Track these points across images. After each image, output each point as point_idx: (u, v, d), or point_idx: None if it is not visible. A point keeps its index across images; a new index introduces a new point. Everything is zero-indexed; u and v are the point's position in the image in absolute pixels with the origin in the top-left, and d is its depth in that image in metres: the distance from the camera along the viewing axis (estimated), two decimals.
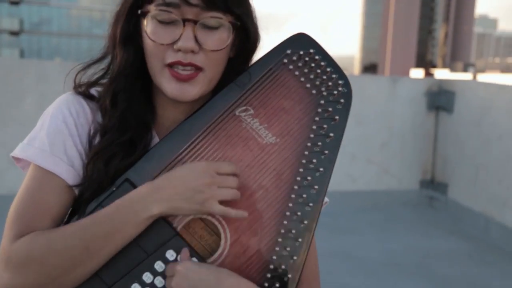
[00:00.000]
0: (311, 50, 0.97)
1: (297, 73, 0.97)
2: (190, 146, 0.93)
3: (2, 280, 0.85)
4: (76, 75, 0.98)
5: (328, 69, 0.97)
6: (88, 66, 0.98)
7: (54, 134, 0.93)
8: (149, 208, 0.86)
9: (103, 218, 0.86)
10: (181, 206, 0.87)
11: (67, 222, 0.93)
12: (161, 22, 0.90)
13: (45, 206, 0.89)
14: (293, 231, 0.93)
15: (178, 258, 0.89)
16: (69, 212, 0.94)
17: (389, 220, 5.00)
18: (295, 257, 0.93)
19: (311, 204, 0.94)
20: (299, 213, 0.93)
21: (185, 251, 0.88)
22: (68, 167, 0.92)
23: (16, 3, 50.13)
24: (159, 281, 0.89)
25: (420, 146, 5.52)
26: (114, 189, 0.90)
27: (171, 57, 0.90)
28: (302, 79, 0.97)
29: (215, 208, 0.88)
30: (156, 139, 0.98)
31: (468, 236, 4.59)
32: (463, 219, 4.94)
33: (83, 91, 0.98)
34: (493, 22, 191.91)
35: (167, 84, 0.92)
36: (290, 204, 0.94)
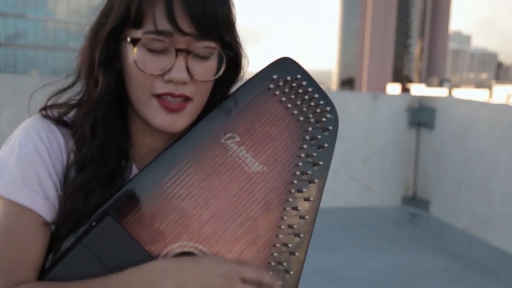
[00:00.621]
0: (298, 76, 0.95)
1: (283, 99, 0.94)
2: (175, 176, 0.89)
3: None
4: (48, 99, 0.91)
5: (315, 95, 0.95)
6: (64, 90, 0.91)
7: (25, 164, 0.84)
8: (164, 285, 0.79)
9: (113, 286, 0.79)
10: None
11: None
12: (151, 50, 0.84)
13: (25, 249, 0.81)
14: (284, 263, 0.90)
15: None
16: None
17: (372, 237, 4.96)
18: None
19: (301, 235, 0.91)
20: (289, 245, 0.91)
21: None
22: (43, 200, 0.84)
23: None
24: None
25: (402, 162, 5.52)
26: (94, 223, 0.83)
27: (161, 88, 0.85)
28: (289, 105, 0.94)
29: None
30: (133, 168, 0.92)
31: (451, 253, 4.57)
32: (446, 236, 4.93)
33: (54, 116, 0.90)
34: (467, 39, 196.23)
35: (155, 115, 0.87)
36: (280, 235, 0.90)
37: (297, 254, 0.91)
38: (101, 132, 0.88)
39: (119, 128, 0.90)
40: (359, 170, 5.39)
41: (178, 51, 0.84)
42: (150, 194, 0.87)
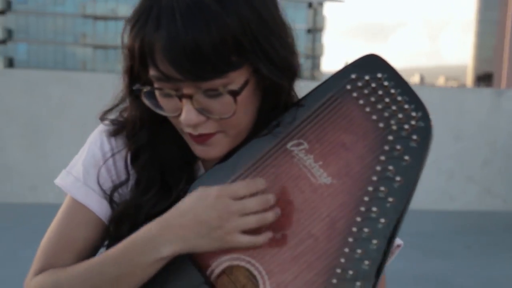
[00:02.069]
0: (379, 75, 0.82)
1: (361, 102, 0.82)
2: (235, 181, 0.81)
3: None
4: (102, 116, 0.89)
5: (400, 98, 0.81)
6: (112, 109, 0.89)
7: (90, 162, 0.87)
8: (159, 249, 0.76)
9: (110, 260, 0.78)
10: (198, 244, 0.76)
11: None
12: (160, 94, 0.78)
13: (68, 240, 0.85)
14: None
15: None
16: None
17: (491, 244, 4.62)
18: None
19: (367, 262, 0.77)
20: (350, 272, 0.77)
21: None
22: (100, 199, 0.85)
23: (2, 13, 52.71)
24: None
25: None
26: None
27: (184, 128, 0.80)
28: (368, 109, 0.82)
29: (240, 241, 0.76)
30: (202, 171, 0.89)
31: None
32: None
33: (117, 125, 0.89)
34: None
35: (191, 146, 0.83)
36: (342, 260, 0.78)
37: (359, 284, 0.77)
38: (144, 156, 0.85)
39: (173, 140, 0.86)
40: (479, 172, 5.03)
41: (180, 96, 0.76)
42: None
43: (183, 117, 0.77)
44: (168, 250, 0.76)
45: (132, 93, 0.82)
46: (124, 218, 0.83)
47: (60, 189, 0.88)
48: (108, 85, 0.87)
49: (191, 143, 0.82)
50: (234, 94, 0.75)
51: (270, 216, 0.78)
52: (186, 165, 0.86)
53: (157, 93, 0.78)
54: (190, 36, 0.70)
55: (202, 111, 0.77)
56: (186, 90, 0.75)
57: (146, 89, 0.78)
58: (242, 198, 0.77)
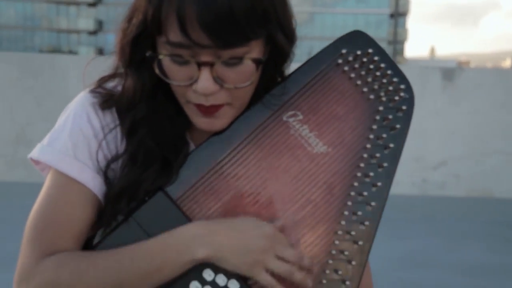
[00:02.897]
0: (370, 50, 0.87)
1: (352, 75, 0.87)
2: (231, 153, 0.84)
3: None
4: (99, 81, 0.87)
5: (388, 72, 0.87)
6: (108, 79, 0.87)
7: (78, 135, 0.81)
8: (195, 250, 0.76)
9: (143, 254, 0.77)
10: (228, 260, 0.77)
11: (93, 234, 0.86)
12: (175, 61, 0.76)
13: (68, 220, 0.80)
14: (346, 253, 0.83)
15: (216, 278, 0.80)
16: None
17: None
18: (347, 282, 0.83)
19: (366, 223, 0.84)
20: (352, 233, 0.84)
21: None
22: (94, 174, 0.81)
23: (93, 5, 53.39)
24: None
25: None
26: (146, 198, 0.82)
27: (193, 98, 0.79)
28: (358, 82, 0.87)
29: (262, 277, 0.78)
30: (192, 146, 0.88)
31: None
32: None
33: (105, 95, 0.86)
34: None
35: (194, 117, 0.82)
36: (343, 222, 0.84)
37: (360, 243, 0.84)
38: (142, 130, 0.83)
39: (168, 115, 0.85)
40: None
41: (200, 64, 0.75)
42: (204, 172, 0.83)
43: (200, 85, 0.76)
44: (203, 252, 0.76)
45: (134, 63, 0.81)
46: (123, 194, 0.81)
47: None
48: None
49: (195, 114, 0.81)
50: (258, 62, 0.77)
51: (297, 276, 0.80)
52: (180, 138, 0.85)
53: (169, 61, 0.77)
54: (225, 2, 0.70)
55: (217, 80, 0.76)
56: (206, 58, 0.75)
57: (162, 55, 0.76)
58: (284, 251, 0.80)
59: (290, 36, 0.81)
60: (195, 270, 0.79)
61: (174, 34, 0.73)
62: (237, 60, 0.76)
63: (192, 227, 0.78)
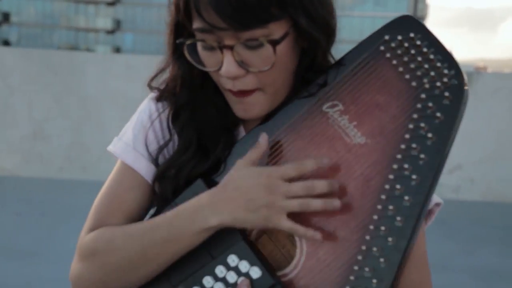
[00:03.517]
0: (411, 35, 0.83)
1: (395, 62, 0.83)
2: (271, 143, 0.85)
3: (74, 270, 0.88)
4: (149, 83, 0.94)
5: (433, 57, 0.82)
6: (157, 75, 0.93)
7: (139, 128, 0.92)
8: (208, 219, 0.79)
9: (161, 224, 0.82)
10: (244, 219, 0.79)
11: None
12: (205, 48, 0.81)
13: (120, 201, 0.90)
14: (375, 249, 0.79)
15: (240, 264, 0.81)
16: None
17: None
18: (374, 280, 0.78)
19: (399, 218, 0.79)
20: (383, 228, 0.79)
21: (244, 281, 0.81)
22: (148, 163, 0.90)
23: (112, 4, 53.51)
24: (218, 287, 0.82)
25: None
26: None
27: (223, 83, 0.83)
28: (401, 69, 0.83)
29: (282, 224, 0.78)
30: (242, 135, 0.92)
31: None
32: None
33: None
34: None
35: (232, 105, 0.86)
36: (375, 217, 0.80)
37: (391, 239, 0.79)
38: (184, 116, 0.89)
39: (211, 106, 0.90)
40: None
41: (222, 47, 0.79)
42: None
43: (223, 69, 0.79)
44: (215, 220, 0.79)
45: (175, 52, 0.86)
46: (166, 178, 0.87)
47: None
48: None
49: (232, 101, 0.85)
50: (274, 43, 0.78)
51: (314, 203, 0.79)
52: (224, 129, 0.89)
53: (199, 47, 0.82)
54: None
55: (241, 63, 0.80)
56: (228, 41, 0.78)
57: (189, 41, 0.81)
58: (291, 180, 0.79)
59: (318, 22, 0.81)
60: (220, 256, 0.82)
61: (196, 20, 0.79)
62: (257, 43, 0.78)
63: (202, 198, 0.81)
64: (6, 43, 49.99)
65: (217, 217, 0.79)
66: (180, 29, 0.84)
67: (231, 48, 0.78)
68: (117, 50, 52.25)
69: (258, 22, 0.76)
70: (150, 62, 5.34)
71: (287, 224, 0.78)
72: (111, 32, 53.61)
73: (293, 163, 0.80)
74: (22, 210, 4.48)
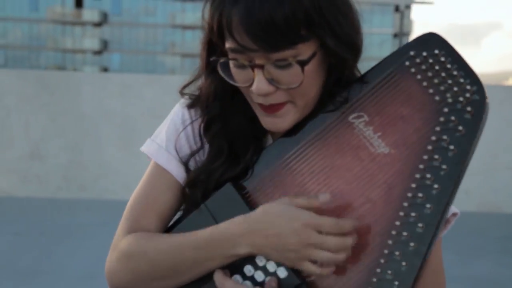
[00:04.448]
0: (436, 51, 0.87)
1: (419, 77, 0.87)
2: (298, 151, 0.90)
3: (111, 265, 0.93)
4: (181, 90, 0.99)
5: (456, 73, 0.86)
6: (189, 84, 0.98)
7: (172, 131, 0.97)
8: (238, 248, 0.84)
9: (194, 244, 0.87)
10: (270, 256, 0.84)
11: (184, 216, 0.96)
12: (236, 65, 0.86)
13: (153, 202, 0.95)
14: (397, 253, 0.83)
15: (267, 264, 0.86)
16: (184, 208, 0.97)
17: None
18: (396, 282, 0.83)
19: (420, 225, 0.83)
20: (405, 233, 0.84)
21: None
22: (179, 165, 0.95)
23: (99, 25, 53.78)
24: (258, 275, 0.87)
25: None
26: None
27: (254, 98, 0.88)
28: (425, 83, 0.87)
29: (308, 269, 0.83)
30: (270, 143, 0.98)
31: None
32: None
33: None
34: None
35: (260, 117, 0.90)
36: (397, 223, 0.84)
37: (412, 244, 0.83)
38: (215, 127, 0.94)
39: (240, 115, 0.94)
40: None
41: (253, 66, 0.83)
42: (273, 167, 0.90)
43: (254, 86, 0.84)
44: (244, 250, 0.83)
45: (209, 66, 0.91)
46: (197, 183, 0.92)
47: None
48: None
49: (260, 114, 0.89)
50: (302, 63, 0.83)
51: (340, 257, 0.82)
52: (254, 138, 0.94)
53: (231, 64, 0.86)
54: (265, 10, 0.78)
55: (271, 81, 0.84)
56: (258, 61, 0.83)
57: (222, 59, 0.86)
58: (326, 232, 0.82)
59: (344, 41, 0.85)
60: (249, 256, 0.85)
61: (228, 41, 0.84)
62: (286, 63, 0.83)
63: (235, 226, 0.84)
64: None
65: (247, 249, 0.84)
66: (213, 47, 0.89)
67: (261, 67, 0.83)
68: (105, 70, 52.15)
69: (287, 44, 0.80)
70: (145, 80, 5.43)
71: (312, 268, 0.82)
72: (98, 52, 53.63)
73: (333, 220, 0.82)
74: (20, 230, 4.46)
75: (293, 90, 0.85)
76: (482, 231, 4.93)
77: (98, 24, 53.24)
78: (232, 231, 0.84)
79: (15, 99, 5.25)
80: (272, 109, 0.87)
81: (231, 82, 0.88)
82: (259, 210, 0.85)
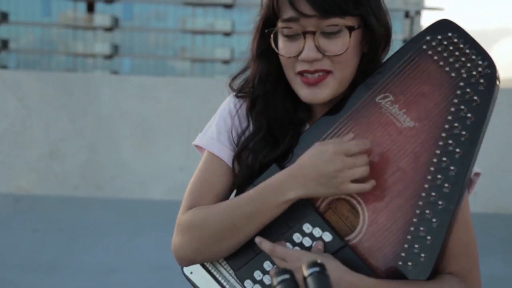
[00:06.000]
0: (449, 34, 0.97)
1: (436, 57, 0.98)
2: (334, 130, 1.02)
3: (175, 242, 1.06)
4: (230, 83, 1.14)
5: (468, 51, 0.96)
6: (237, 75, 1.13)
7: (221, 123, 1.11)
8: (286, 193, 0.96)
9: (247, 200, 1.00)
10: (317, 191, 0.96)
11: None
12: (287, 36, 0.99)
13: (209, 184, 1.08)
14: (427, 212, 0.94)
15: (313, 231, 0.98)
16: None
17: None
18: (429, 237, 0.94)
19: (446, 185, 0.94)
20: (433, 194, 0.94)
21: (319, 243, 0.98)
22: (230, 152, 1.09)
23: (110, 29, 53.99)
24: (306, 240, 0.99)
25: None
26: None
27: (299, 66, 1.00)
28: (441, 63, 0.98)
29: (350, 189, 0.95)
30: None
31: None
32: None
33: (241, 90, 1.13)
34: None
35: (300, 90, 1.03)
36: (426, 186, 0.95)
37: (441, 203, 0.94)
38: (259, 107, 1.07)
39: (281, 102, 1.07)
40: None
41: (305, 33, 0.97)
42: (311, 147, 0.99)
43: (304, 52, 0.98)
44: (293, 194, 0.97)
45: (258, 54, 1.06)
46: (243, 163, 1.06)
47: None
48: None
49: (300, 87, 1.02)
50: (350, 29, 0.97)
51: (368, 169, 0.96)
52: (292, 124, 1.07)
53: (281, 40, 1.00)
54: None
55: (319, 48, 0.97)
56: (310, 28, 0.97)
57: (280, 25, 1.00)
58: (352, 154, 0.96)
59: (382, 23, 1.00)
60: (296, 225, 0.99)
61: (286, 12, 0.98)
62: (336, 28, 0.97)
63: (280, 175, 0.99)
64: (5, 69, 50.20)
65: (294, 192, 0.96)
66: (267, 27, 1.03)
67: (313, 34, 0.97)
68: (115, 74, 52.34)
69: (339, 12, 0.95)
70: (161, 82, 5.56)
71: (355, 187, 0.96)
72: (109, 57, 53.89)
73: (355, 141, 0.97)
74: (40, 227, 4.55)
75: (336, 58, 0.98)
76: (489, 231, 4.98)
77: (109, 29, 53.49)
78: (278, 180, 0.98)
79: (36, 100, 5.39)
80: (315, 80, 1.00)
81: (280, 52, 1.00)
82: (298, 160, 0.99)
